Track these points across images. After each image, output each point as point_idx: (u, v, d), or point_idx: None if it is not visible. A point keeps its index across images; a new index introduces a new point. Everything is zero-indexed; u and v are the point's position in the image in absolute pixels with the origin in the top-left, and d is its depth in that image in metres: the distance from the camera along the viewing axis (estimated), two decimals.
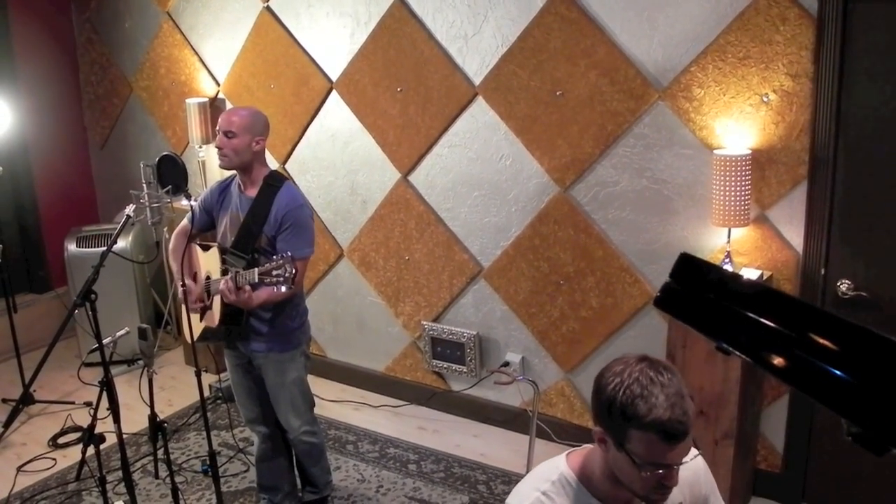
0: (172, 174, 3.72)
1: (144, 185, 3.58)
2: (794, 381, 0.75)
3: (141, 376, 3.75)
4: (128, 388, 4.92)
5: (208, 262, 3.58)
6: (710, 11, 3.65)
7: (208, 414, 4.70)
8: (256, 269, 3.17)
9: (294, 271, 3.09)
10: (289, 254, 3.13)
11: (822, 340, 0.76)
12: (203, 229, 3.71)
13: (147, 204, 3.68)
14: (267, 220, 3.40)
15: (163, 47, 5.70)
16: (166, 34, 5.65)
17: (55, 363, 5.63)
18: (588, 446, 2.05)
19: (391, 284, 4.99)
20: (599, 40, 3.94)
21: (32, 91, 6.06)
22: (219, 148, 3.43)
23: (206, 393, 4.91)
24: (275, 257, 3.17)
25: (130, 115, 6.14)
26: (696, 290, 0.88)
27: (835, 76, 3.41)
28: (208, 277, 3.54)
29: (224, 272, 3.39)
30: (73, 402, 5.10)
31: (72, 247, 5.57)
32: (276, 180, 3.50)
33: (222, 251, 3.47)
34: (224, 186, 3.64)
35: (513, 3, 4.15)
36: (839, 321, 0.77)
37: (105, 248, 3.27)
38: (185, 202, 4.61)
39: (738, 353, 0.87)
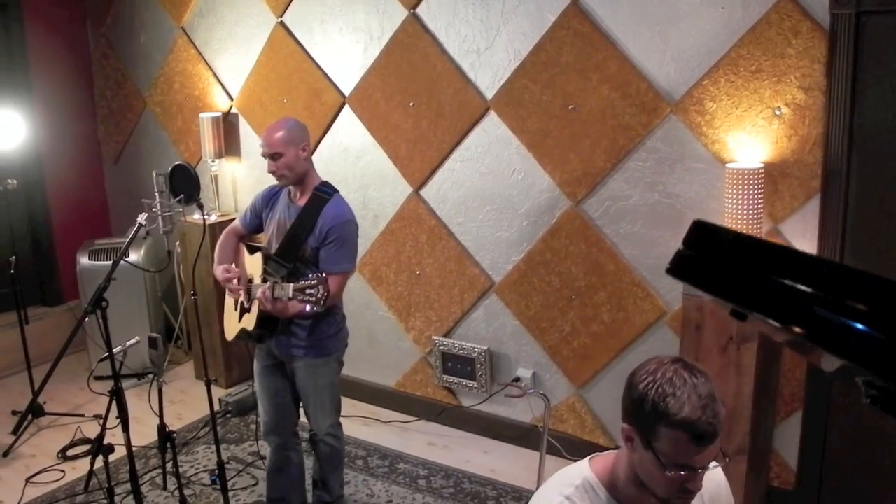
0: (185, 184, 3.75)
1: (157, 194, 3.61)
2: (816, 337, 0.74)
3: (150, 385, 3.75)
4: (137, 402, 4.90)
5: (252, 265, 3.64)
6: (722, 25, 3.65)
7: (218, 428, 4.69)
8: (291, 285, 3.23)
9: (326, 293, 3.15)
10: (323, 275, 3.18)
11: (843, 295, 0.74)
12: (252, 231, 3.79)
13: (159, 213, 3.69)
14: (312, 232, 3.45)
15: (177, 62, 5.75)
16: (181, 49, 5.70)
17: (65, 376, 5.65)
18: (612, 452, 2.03)
19: (402, 299, 4.98)
20: (611, 54, 3.94)
21: (47, 105, 6.12)
22: (272, 172, 3.49)
23: (217, 406, 4.92)
24: (310, 275, 3.21)
25: (144, 130, 6.19)
26: (711, 254, 0.87)
27: (847, 89, 3.40)
28: (250, 281, 3.60)
29: (264, 280, 3.44)
30: (82, 415, 5.10)
31: (84, 260, 5.59)
32: (326, 192, 3.54)
33: (265, 257, 3.53)
34: (275, 192, 3.70)
35: (525, 17, 4.17)
36: (860, 274, 0.76)
37: (117, 257, 3.28)
38: (197, 216, 4.64)
39: (755, 314, 0.85)
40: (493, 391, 4.72)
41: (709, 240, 0.88)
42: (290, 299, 3.25)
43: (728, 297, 0.87)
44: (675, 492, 1.84)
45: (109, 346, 3.20)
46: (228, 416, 5.10)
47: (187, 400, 5.38)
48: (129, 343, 3.54)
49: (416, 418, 5.03)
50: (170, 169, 3.88)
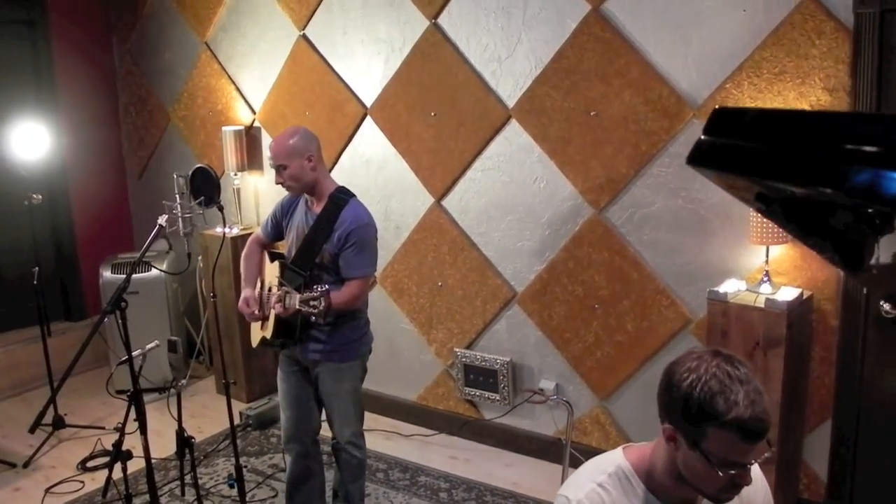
0: (205, 186, 3.76)
1: (177, 196, 3.62)
2: (855, 192, 0.69)
3: (168, 399, 3.73)
4: (158, 415, 4.87)
5: (270, 274, 3.64)
6: (744, 27, 3.62)
7: (238, 441, 4.66)
8: (298, 296, 3.24)
9: (327, 306, 3.16)
10: (326, 288, 3.20)
11: (879, 144, 0.69)
12: (273, 240, 3.80)
13: (179, 214, 3.70)
14: (329, 239, 3.44)
15: (201, 77, 5.79)
16: (204, 64, 5.75)
17: (86, 390, 5.68)
18: (647, 443, 1.98)
19: (424, 311, 4.95)
20: (633, 60, 3.92)
21: (73, 121, 6.18)
22: (280, 183, 3.51)
23: (237, 420, 4.90)
24: (316, 287, 3.21)
25: (168, 145, 6.23)
26: (735, 135, 0.82)
27: (872, 89, 3.35)
28: (269, 289, 3.60)
29: (280, 287, 3.46)
30: (103, 428, 5.09)
31: (107, 273, 5.60)
32: (342, 198, 3.53)
33: (282, 266, 3.53)
34: (294, 200, 3.70)
35: (546, 25, 4.16)
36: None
37: (138, 256, 3.28)
38: (219, 229, 4.65)
39: (785, 185, 0.80)
40: (515, 403, 4.66)
41: (732, 121, 0.84)
42: (297, 309, 3.25)
43: (757, 173, 0.82)
44: (723, 488, 1.78)
45: (128, 348, 3.18)
46: (249, 429, 5.07)
47: (208, 414, 5.35)
48: (148, 346, 3.52)
49: (437, 432, 4.98)
50: (191, 171, 3.90)
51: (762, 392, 1.72)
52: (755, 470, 2.02)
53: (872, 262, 1.02)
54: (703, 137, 0.86)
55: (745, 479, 1.76)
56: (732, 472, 1.73)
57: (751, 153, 0.81)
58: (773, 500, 2.09)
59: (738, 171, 0.83)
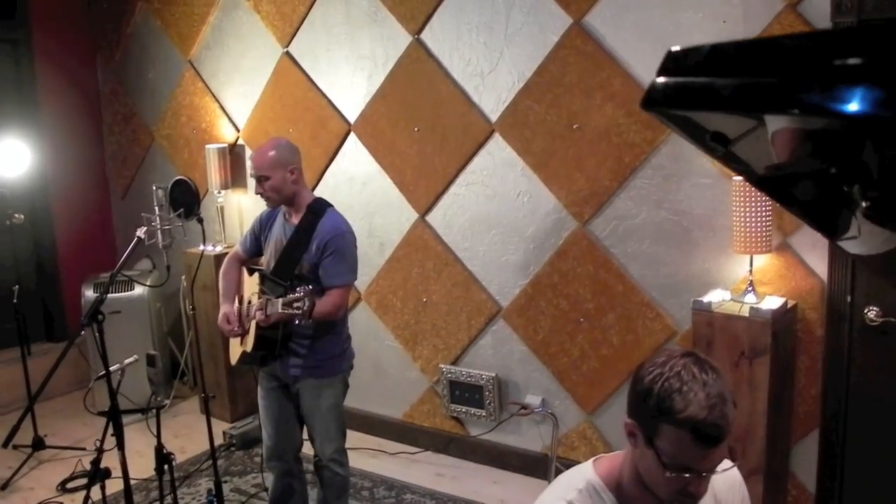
0: (184, 198, 3.74)
1: (156, 208, 3.59)
2: (816, 110, 0.66)
3: (149, 411, 3.68)
4: (139, 436, 4.84)
5: (249, 286, 3.61)
6: (724, 37, 3.61)
7: (221, 461, 4.60)
8: (280, 300, 3.20)
9: (311, 305, 3.12)
10: (310, 287, 3.18)
11: (828, 59, 0.67)
12: (253, 255, 3.77)
13: (158, 227, 3.67)
14: (308, 249, 3.43)
15: (184, 95, 5.78)
16: (188, 82, 5.74)
17: (68, 412, 5.62)
18: (618, 452, 1.94)
19: (409, 327, 4.92)
20: (615, 72, 3.93)
21: (56, 139, 6.15)
22: (259, 194, 3.50)
23: (221, 440, 4.84)
24: (298, 289, 3.18)
25: (151, 164, 6.20)
26: (689, 73, 0.81)
27: None
28: (249, 302, 3.56)
29: (261, 296, 3.43)
30: (84, 448, 5.01)
31: (89, 293, 5.56)
32: (319, 209, 3.51)
33: (262, 277, 3.51)
34: (273, 213, 3.69)
35: (528, 39, 4.17)
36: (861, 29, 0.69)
37: (116, 267, 3.25)
38: (201, 248, 4.63)
39: (748, 113, 0.77)
40: (501, 419, 4.62)
41: (685, 59, 0.83)
42: (280, 314, 3.21)
43: (716, 107, 0.80)
44: (676, 494, 1.74)
45: (106, 362, 3.14)
46: (232, 448, 5.01)
47: (192, 434, 5.28)
48: (127, 361, 3.47)
49: (423, 449, 4.93)
50: (170, 183, 3.87)
51: (727, 399, 1.67)
52: (734, 475, 1.97)
53: (852, 234, 1.00)
54: (657, 80, 0.85)
55: (697, 489, 1.71)
56: (685, 475, 1.69)
57: (705, 87, 0.79)
58: None
59: (692, 107, 0.82)
